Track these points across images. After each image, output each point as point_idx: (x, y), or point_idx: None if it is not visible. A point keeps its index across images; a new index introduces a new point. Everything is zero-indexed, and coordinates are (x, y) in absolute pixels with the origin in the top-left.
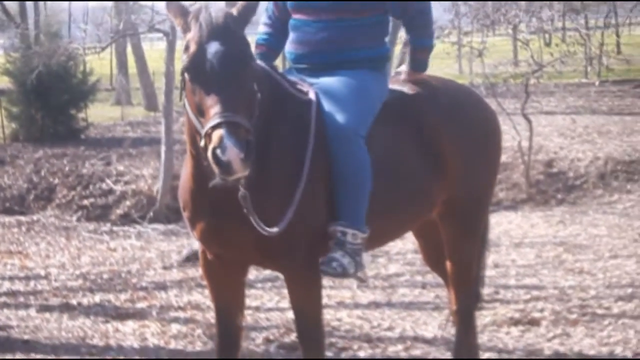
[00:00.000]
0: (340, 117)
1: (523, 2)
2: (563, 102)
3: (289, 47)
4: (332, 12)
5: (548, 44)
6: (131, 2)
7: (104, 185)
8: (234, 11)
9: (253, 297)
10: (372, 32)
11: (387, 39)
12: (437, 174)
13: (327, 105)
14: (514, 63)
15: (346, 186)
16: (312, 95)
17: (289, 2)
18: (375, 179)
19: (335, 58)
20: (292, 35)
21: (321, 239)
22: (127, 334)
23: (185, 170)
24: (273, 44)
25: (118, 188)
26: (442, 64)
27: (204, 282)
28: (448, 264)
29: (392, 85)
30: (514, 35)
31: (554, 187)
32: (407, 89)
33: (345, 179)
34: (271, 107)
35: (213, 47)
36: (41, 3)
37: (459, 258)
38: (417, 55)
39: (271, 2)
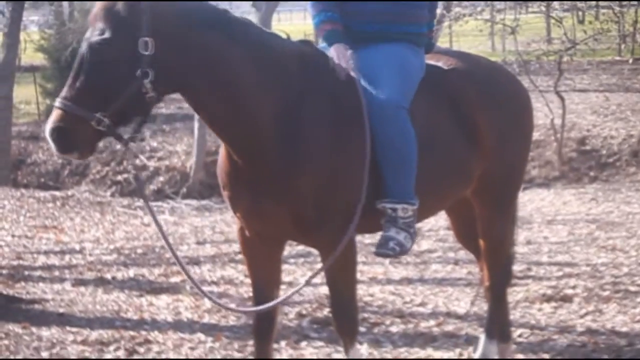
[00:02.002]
0: (382, 91)
1: None
2: (596, 80)
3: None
4: None
5: (581, 22)
6: None
7: (137, 161)
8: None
9: (286, 273)
10: (420, 11)
11: None
12: (473, 148)
13: (369, 79)
14: (547, 40)
15: (392, 160)
16: (352, 72)
17: None
18: (417, 152)
19: (391, 30)
20: (349, 7)
21: (360, 215)
22: (161, 307)
23: (222, 151)
24: (335, 18)
25: (151, 164)
26: (475, 41)
27: (237, 257)
28: (481, 241)
29: (428, 61)
30: (547, 13)
31: (586, 164)
32: (442, 64)
33: (391, 153)
34: (303, 85)
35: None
36: None
37: (492, 234)
38: (429, 37)
39: None
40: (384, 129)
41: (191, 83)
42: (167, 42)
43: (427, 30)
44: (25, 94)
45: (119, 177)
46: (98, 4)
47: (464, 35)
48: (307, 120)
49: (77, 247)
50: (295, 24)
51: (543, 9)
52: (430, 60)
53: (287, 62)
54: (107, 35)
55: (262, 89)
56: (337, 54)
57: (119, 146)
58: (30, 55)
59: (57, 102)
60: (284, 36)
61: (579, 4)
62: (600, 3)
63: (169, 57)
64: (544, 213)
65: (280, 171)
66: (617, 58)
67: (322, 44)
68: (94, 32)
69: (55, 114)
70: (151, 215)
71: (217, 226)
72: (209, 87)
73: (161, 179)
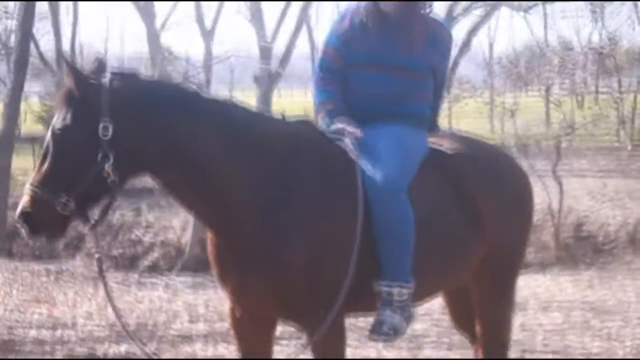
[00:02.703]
0: (381, 172)
1: (556, 64)
2: (594, 165)
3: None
4: (403, 70)
5: (581, 106)
6: (166, 53)
7: (133, 236)
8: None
9: (278, 354)
10: (425, 92)
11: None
12: (475, 231)
13: (368, 159)
14: (546, 123)
15: (389, 240)
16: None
17: (356, 56)
18: (416, 233)
19: (392, 110)
20: (351, 86)
21: (343, 296)
22: None
23: None
24: (339, 98)
25: (147, 239)
26: (474, 123)
27: (230, 336)
28: (478, 325)
29: (432, 144)
30: (546, 96)
31: (583, 250)
32: (446, 147)
33: (387, 233)
34: (292, 164)
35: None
36: (78, 51)
37: (489, 318)
38: (433, 120)
39: (326, 56)
40: (381, 211)
41: (154, 165)
42: (127, 125)
43: (431, 112)
44: (24, 165)
45: (114, 252)
46: (61, 90)
47: (463, 116)
48: (293, 199)
49: (70, 321)
50: (295, 101)
51: (543, 92)
52: (434, 143)
53: (271, 142)
54: (68, 120)
55: (235, 170)
56: (343, 126)
57: (114, 220)
58: (30, 125)
59: (26, 187)
60: (278, 116)
61: (579, 88)
62: (600, 87)
63: (129, 140)
64: (540, 298)
65: (261, 250)
66: (616, 143)
67: (322, 122)
68: (57, 117)
69: (23, 199)
70: (106, 295)
71: (211, 303)
72: (173, 170)
73: (156, 254)
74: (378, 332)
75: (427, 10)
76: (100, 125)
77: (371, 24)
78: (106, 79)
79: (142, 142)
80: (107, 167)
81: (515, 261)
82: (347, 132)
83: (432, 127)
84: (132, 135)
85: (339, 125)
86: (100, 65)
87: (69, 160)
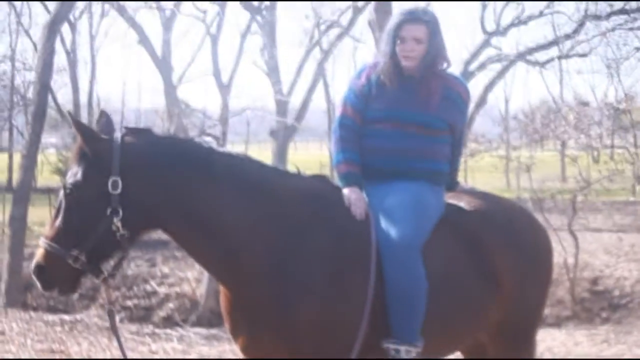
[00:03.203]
0: (395, 230)
1: (572, 119)
2: (610, 220)
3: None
4: (420, 126)
5: (596, 161)
6: (183, 106)
7: (148, 287)
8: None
9: None
10: (442, 148)
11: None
12: (491, 291)
13: (383, 217)
14: (561, 179)
15: (399, 301)
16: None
17: (373, 112)
18: (429, 293)
19: (408, 166)
20: (368, 142)
21: (356, 355)
22: None
23: None
24: (356, 159)
25: (162, 290)
26: (490, 177)
27: None
28: None
29: (450, 200)
30: (562, 151)
31: (599, 305)
32: (463, 204)
33: (397, 293)
34: (306, 220)
35: None
36: (95, 103)
37: None
38: (453, 176)
39: (345, 114)
40: (392, 269)
41: (165, 222)
42: (136, 181)
43: (449, 168)
44: (40, 216)
45: (129, 303)
46: (74, 146)
47: (479, 170)
48: (305, 256)
49: None
50: (311, 154)
51: (558, 147)
52: (452, 199)
53: (286, 199)
54: (78, 176)
55: (248, 229)
56: (351, 197)
57: (129, 271)
58: (46, 177)
59: (40, 241)
60: (294, 170)
61: (594, 144)
62: (616, 143)
63: (138, 195)
64: (555, 353)
65: (272, 308)
66: (631, 199)
67: (338, 181)
68: (70, 173)
69: (37, 253)
70: (120, 347)
71: (225, 356)
72: (184, 227)
73: (171, 305)
74: None
75: (444, 67)
76: (110, 181)
77: (389, 82)
78: (118, 134)
79: (152, 198)
80: (116, 221)
81: (533, 319)
82: (350, 202)
83: (451, 183)
84: (141, 191)
85: (345, 192)
86: (107, 120)
87: (80, 215)
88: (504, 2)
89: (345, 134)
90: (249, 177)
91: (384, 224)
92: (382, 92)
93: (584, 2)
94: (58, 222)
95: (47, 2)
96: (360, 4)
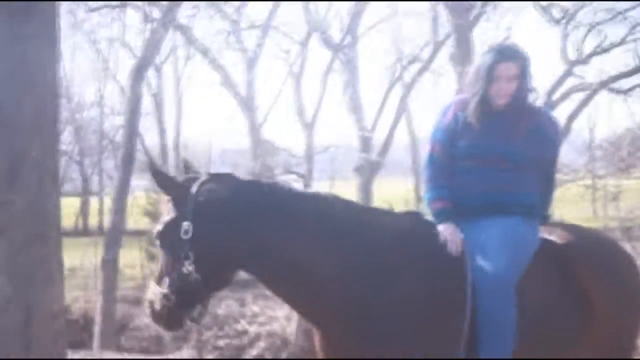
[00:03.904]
0: (490, 265)
1: None
2: None
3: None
4: (505, 161)
5: None
6: (268, 145)
7: (238, 326)
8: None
9: None
10: (529, 182)
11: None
12: (586, 325)
13: (478, 253)
14: None
15: (491, 334)
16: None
17: (460, 149)
18: (525, 328)
19: (497, 200)
20: (457, 180)
21: None
22: None
23: None
24: (447, 195)
25: (252, 329)
26: (576, 207)
27: None
28: None
29: (542, 234)
30: None
31: None
32: (555, 237)
33: (490, 326)
34: (397, 261)
35: None
36: (182, 145)
37: None
38: (544, 210)
39: (434, 152)
40: (486, 304)
41: (243, 265)
42: (208, 225)
43: (541, 202)
44: (131, 258)
45: (220, 342)
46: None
47: (565, 200)
48: (395, 299)
49: None
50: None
51: None
52: (544, 232)
53: (375, 237)
54: (163, 223)
55: (330, 269)
56: (446, 233)
57: (220, 310)
58: (136, 219)
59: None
60: (385, 207)
61: None
62: None
63: (209, 240)
64: None
65: (359, 348)
66: None
67: (432, 218)
68: (159, 221)
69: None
70: None
71: None
72: (265, 270)
73: (262, 344)
74: None
75: (531, 99)
76: (183, 225)
77: (476, 121)
78: (197, 181)
79: (224, 242)
80: (187, 265)
81: (628, 351)
82: (445, 238)
83: (543, 217)
84: (212, 236)
85: (440, 229)
86: (187, 168)
87: (165, 258)
88: (585, 31)
89: (435, 172)
90: (333, 217)
91: (479, 259)
92: (468, 129)
93: None
94: (159, 264)
95: (133, 47)
96: (440, 38)
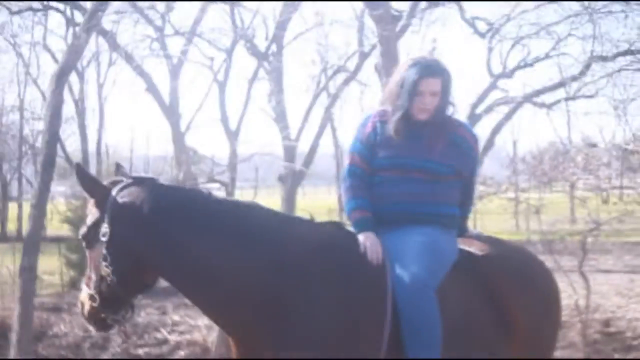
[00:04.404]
0: (409, 269)
1: (580, 160)
2: (620, 261)
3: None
4: (424, 172)
5: (606, 202)
6: (191, 153)
7: (159, 335)
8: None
9: None
10: (449, 193)
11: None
12: (506, 336)
13: (397, 260)
14: (571, 220)
15: (416, 339)
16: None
17: (379, 160)
18: (445, 339)
19: (416, 210)
20: (377, 190)
21: None
22: None
23: None
24: (367, 205)
25: (173, 338)
26: (498, 220)
27: None
28: None
29: (460, 245)
30: (571, 193)
31: (611, 347)
32: (475, 249)
33: (414, 332)
34: (312, 267)
35: None
36: (104, 152)
37: None
38: (463, 222)
39: (353, 162)
40: (407, 310)
41: (156, 268)
42: (124, 228)
43: (460, 213)
44: (50, 265)
45: (140, 351)
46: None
47: (487, 213)
48: (313, 307)
49: None
50: (320, 199)
51: (567, 189)
52: (462, 244)
53: (293, 246)
54: (86, 225)
55: (242, 275)
56: (367, 243)
57: (139, 319)
58: (56, 226)
59: None
60: (307, 216)
61: (603, 185)
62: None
63: (125, 242)
64: None
65: (272, 355)
66: None
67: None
68: (85, 222)
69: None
70: None
71: None
72: (175, 273)
73: (182, 352)
74: None
75: (450, 112)
76: (102, 228)
77: (395, 134)
78: (119, 184)
79: (139, 245)
80: (105, 266)
81: None
82: (365, 247)
83: (461, 229)
84: (127, 239)
85: (360, 238)
86: (118, 171)
87: (89, 260)
88: (510, 45)
89: (355, 182)
90: (252, 225)
91: (398, 267)
92: (388, 141)
93: (589, 44)
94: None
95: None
96: (366, 48)
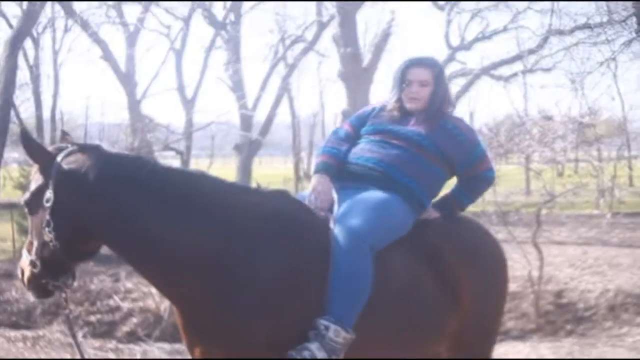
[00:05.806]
0: (351, 222)
1: (536, 133)
2: (574, 233)
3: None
4: (406, 141)
5: (561, 175)
6: (147, 121)
7: (111, 302)
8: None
9: None
10: (423, 171)
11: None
12: (449, 303)
13: (344, 211)
14: (526, 192)
15: (341, 285)
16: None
17: (369, 128)
18: (387, 300)
19: (380, 169)
20: (356, 148)
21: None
22: None
23: None
24: (340, 157)
25: (125, 305)
26: None
27: None
28: None
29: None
30: (526, 165)
31: (563, 317)
32: (422, 217)
33: (342, 278)
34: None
35: None
36: (58, 118)
37: None
38: (454, 207)
39: (342, 127)
40: (339, 253)
41: (97, 235)
42: (66, 194)
43: (426, 200)
44: (2, 231)
45: (92, 318)
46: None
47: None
48: (257, 272)
49: None
50: (276, 168)
51: (523, 161)
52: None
53: (237, 213)
54: (30, 191)
55: (183, 240)
56: (317, 187)
57: (92, 286)
58: (9, 192)
59: None
60: (254, 185)
61: (558, 158)
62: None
63: (67, 208)
64: None
65: (220, 325)
66: (596, 212)
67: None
68: (27, 188)
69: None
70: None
71: None
72: (116, 240)
73: (134, 320)
74: (297, 352)
75: (450, 110)
76: (46, 194)
77: (387, 113)
78: (64, 151)
79: (81, 212)
80: (48, 232)
81: (491, 332)
82: (316, 191)
83: (449, 212)
84: (70, 205)
85: (313, 180)
86: (63, 139)
87: (32, 226)
88: (469, 17)
89: (332, 137)
90: (198, 194)
91: (341, 220)
92: (379, 116)
93: (548, 17)
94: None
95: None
96: (324, 18)
